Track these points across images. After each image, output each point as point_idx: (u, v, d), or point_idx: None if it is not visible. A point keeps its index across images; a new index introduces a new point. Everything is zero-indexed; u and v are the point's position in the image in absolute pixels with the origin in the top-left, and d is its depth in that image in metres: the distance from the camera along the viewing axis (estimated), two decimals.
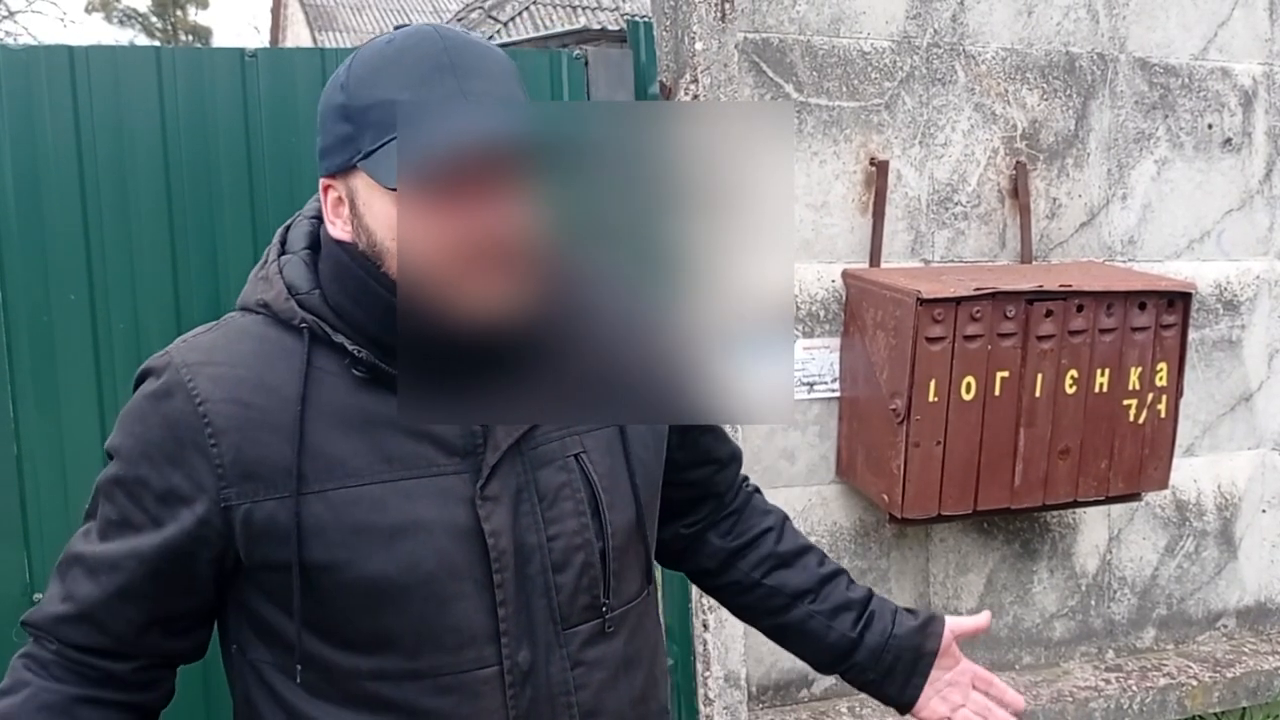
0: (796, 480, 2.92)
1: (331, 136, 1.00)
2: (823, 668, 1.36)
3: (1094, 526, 3.24)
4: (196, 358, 1.02)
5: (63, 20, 34.94)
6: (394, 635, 1.01)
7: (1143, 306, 2.73)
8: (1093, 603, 3.27)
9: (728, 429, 1.41)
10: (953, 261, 2.98)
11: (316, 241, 1.08)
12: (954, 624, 1.32)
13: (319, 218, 1.09)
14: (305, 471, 0.99)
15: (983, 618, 1.34)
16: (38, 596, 2.53)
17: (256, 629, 1.06)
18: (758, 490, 1.42)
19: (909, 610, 1.34)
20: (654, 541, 1.20)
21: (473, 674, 1.03)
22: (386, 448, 1.01)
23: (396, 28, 1.02)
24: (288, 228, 1.11)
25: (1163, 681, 3.17)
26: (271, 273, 1.07)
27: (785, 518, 1.40)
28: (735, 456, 1.37)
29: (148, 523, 1.02)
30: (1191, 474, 3.32)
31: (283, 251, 1.09)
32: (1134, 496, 2.92)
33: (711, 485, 1.34)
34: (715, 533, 1.36)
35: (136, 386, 1.06)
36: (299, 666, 1.03)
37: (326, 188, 1.03)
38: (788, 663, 2.91)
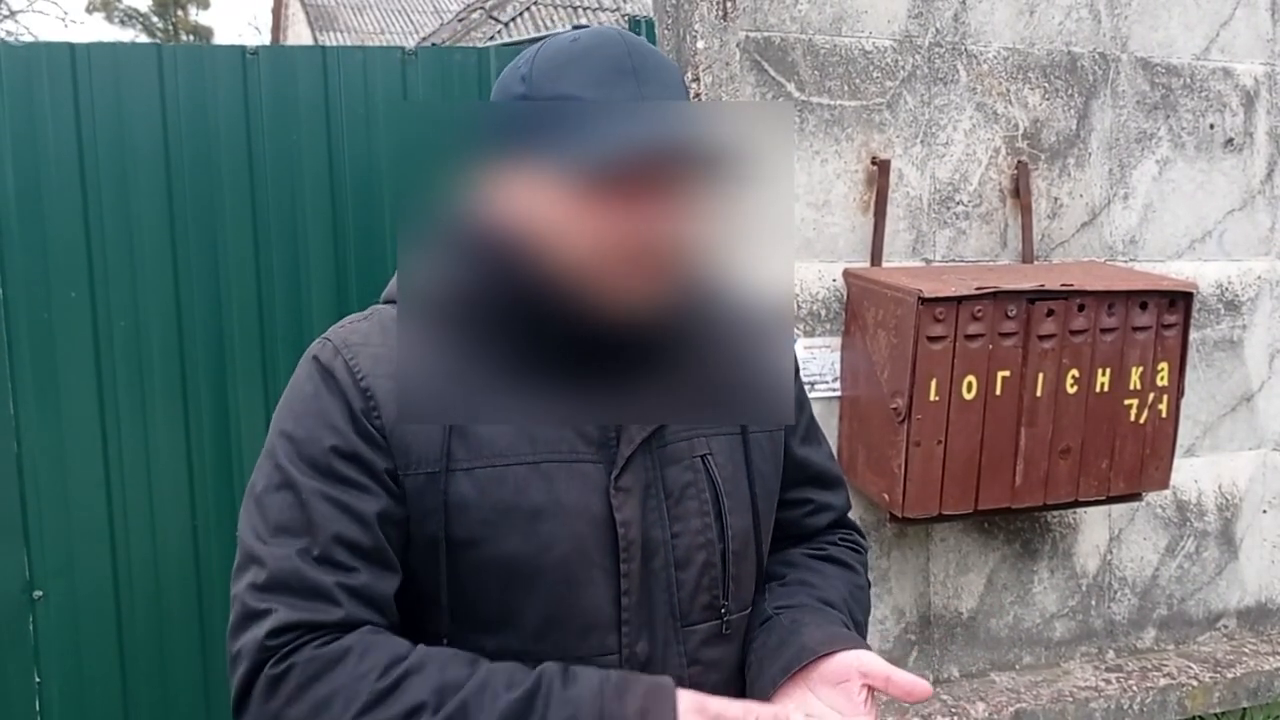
0: None
1: None
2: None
3: (1094, 526, 3.23)
4: (356, 339, 1.06)
5: (64, 20, 35.08)
6: (521, 615, 1.03)
7: (1144, 306, 2.73)
8: (1093, 603, 3.27)
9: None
10: (954, 261, 2.97)
11: None
12: (875, 669, 1.03)
13: None
14: (454, 449, 1.02)
15: (917, 688, 1.01)
16: (38, 594, 2.53)
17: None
18: (856, 548, 1.29)
19: (836, 631, 1.11)
20: (767, 554, 1.18)
21: (592, 660, 1.03)
22: (531, 429, 1.04)
23: (576, 27, 1.05)
24: None
25: (1163, 682, 3.16)
26: None
27: (841, 584, 1.22)
28: (831, 506, 1.29)
29: (360, 490, 1.00)
30: (1192, 474, 3.32)
31: None
32: (1135, 496, 2.91)
33: (798, 526, 1.27)
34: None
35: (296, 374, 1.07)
36: (445, 640, 1.03)
37: None
38: None
